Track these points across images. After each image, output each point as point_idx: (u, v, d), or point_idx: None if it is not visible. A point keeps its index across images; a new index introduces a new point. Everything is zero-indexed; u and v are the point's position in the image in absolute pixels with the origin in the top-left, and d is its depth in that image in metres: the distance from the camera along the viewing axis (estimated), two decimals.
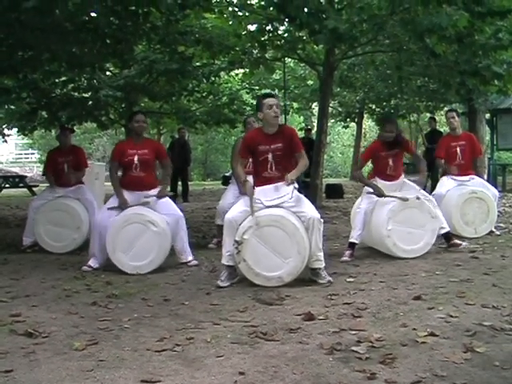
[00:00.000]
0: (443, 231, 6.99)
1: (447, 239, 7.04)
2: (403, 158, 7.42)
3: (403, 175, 7.19)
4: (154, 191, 6.69)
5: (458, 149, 8.22)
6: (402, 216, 6.60)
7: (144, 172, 6.69)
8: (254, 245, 5.41)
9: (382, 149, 7.00)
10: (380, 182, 6.97)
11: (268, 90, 21.93)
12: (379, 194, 6.79)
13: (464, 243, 6.96)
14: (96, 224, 6.66)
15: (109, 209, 6.60)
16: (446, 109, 23.70)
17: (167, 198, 6.77)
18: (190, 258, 6.69)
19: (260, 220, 5.44)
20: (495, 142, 18.25)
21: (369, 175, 7.44)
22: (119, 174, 6.95)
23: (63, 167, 8.16)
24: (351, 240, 6.90)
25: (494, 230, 8.14)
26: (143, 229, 6.32)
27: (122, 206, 6.53)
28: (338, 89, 21.82)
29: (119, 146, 6.95)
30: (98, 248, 6.50)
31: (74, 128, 13.98)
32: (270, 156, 5.66)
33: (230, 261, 5.57)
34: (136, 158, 6.64)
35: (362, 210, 6.90)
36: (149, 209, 6.50)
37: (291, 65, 22.08)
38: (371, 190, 6.90)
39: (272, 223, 5.43)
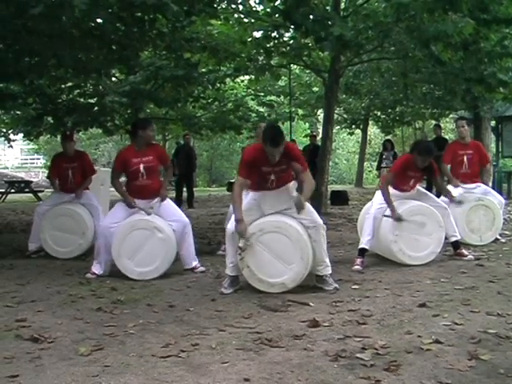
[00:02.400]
0: (453, 239, 6.97)
1: (455, 247, 7.02)
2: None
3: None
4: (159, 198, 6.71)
5: (465, 157, 8.22)
6: (411, 222, 6.58)
7: (150, 179, 6.65)
8: (258, 251, 5.42)
9: (411, 168, 6.83)
10: (393, 191, 6.89)
11: (273, 97, 22.04)
12: (396, 218, 6.57)
13: (470, 256, 6.92)
14: (100, 230, 6.66)
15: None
16: (451, 116, 23.80)
17: (173, 204, 6.79)
18: (196, 263, 6.68)
19: (263, 226, 5.45)
20: (500, 150, 18.23)
21: (381, 182, 7.35)
22: (123, 179, 6.97)
23: (68, 173, 8.14)
24: (361, 246, 6.77)
25: (499, 237, 8.13)
26: (149, 235, 6.32)
27: (130, 206, 6.54)
28: (344, 95, 21.89)
29: (122, 156, 6.81)
30: (103, 254, 6.49)
31: (80, 134, 14.03)
32: (272, 176, 5.59)
33: (234, 271, 5.58)
34: (142, 167, 6.58)
35: (372, 215, 6.82)
36: (155, 215, 6.52)
37: (297, 71, 22.15)
38: (387, 212, 6.75)
39: (275, 229, 5.43)
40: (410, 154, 6.95)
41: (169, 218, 6.54)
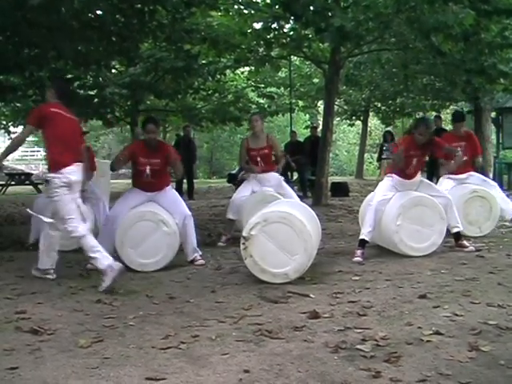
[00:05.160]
0: (455, 230, 6.95)
1: (456, 239, 7.00)
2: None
3: (420, 174, 7.11)
4: (168, 189, 6.79)
5: (459, 148, 8.25)
6: (413, 213, 6.54)
7: (155, 179, 6.67)
8: (261, 241, 5.41)
9: (412, 147, 6.82)
10: (396, 178, 6.88)
11: (273, 88, 22.03)
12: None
13: (471, 247, 6.90)
14: (108, 216, 6.69)
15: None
16: (452, 107, 23.76)
17: (177, 196, 6.84)
18: (196, 255, 6.69)
19: (268, 216, 5.45)
20: (501, 141, 18.21)
21: (386, 170, 7.36)
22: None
23: None
24: (362, 237, 6.71)
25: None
26: (154, 227, 6.33)
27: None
28: (344, 87, 21.84)
29: (133, 149, 6.88)
30: (106, 243, 6.47)
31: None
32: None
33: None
34: (148, 169, 6.61)
35: (373, 206, 6.76)
36: (160, 207, 6.53)
37: (297, 63, 22.13)
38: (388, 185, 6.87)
39: (280, 220, 5.44)
40: (409, 135, 6.98)
41: (171, 210, 6.55)
